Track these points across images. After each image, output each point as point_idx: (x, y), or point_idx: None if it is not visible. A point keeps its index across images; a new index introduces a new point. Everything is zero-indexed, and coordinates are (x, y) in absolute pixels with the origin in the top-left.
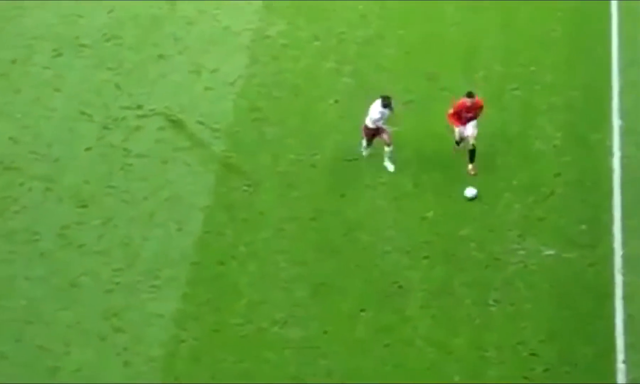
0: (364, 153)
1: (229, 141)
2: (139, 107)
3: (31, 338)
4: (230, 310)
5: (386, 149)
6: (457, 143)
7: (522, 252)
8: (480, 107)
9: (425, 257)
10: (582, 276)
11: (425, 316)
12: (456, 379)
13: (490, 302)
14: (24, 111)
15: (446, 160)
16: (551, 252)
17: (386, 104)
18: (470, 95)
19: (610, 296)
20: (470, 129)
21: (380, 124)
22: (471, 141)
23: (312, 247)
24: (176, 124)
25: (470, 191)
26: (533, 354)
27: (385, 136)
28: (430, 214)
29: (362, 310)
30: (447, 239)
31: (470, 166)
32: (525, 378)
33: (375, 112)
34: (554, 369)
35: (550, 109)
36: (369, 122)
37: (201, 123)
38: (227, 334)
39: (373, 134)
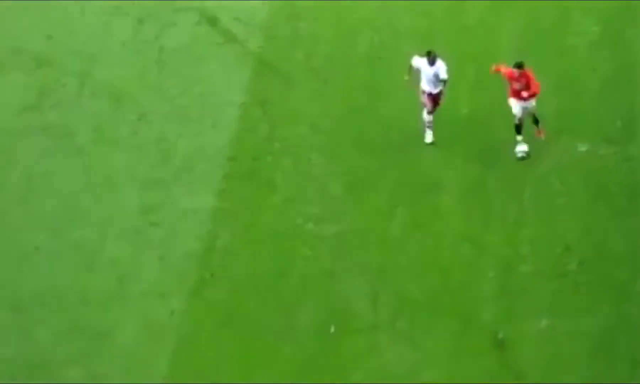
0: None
1: (264, 37)
2: (174, 2)
3: (67, 231)
4: (265, 206)
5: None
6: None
7: (556, 148)
8: (532, 80)
9: (460, 155)
10: (616, 172)
11: (460, 212)
12: (490, 274)
13: (524, 198)
14: (58, 7)
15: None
16: (585, 148)
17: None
18: (519, 64)
19: None
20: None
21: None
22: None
23: (347, 143)
24: (211, 20)
25: (521, 148)
26: (567, 249)
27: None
28: (465, 110)
29: (396, 206)
30: (481, 137)
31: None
32: (559, 272)
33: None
34: (588, 264)
35: (586, 4)
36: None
37: (236, 19)
38: (262, 230)
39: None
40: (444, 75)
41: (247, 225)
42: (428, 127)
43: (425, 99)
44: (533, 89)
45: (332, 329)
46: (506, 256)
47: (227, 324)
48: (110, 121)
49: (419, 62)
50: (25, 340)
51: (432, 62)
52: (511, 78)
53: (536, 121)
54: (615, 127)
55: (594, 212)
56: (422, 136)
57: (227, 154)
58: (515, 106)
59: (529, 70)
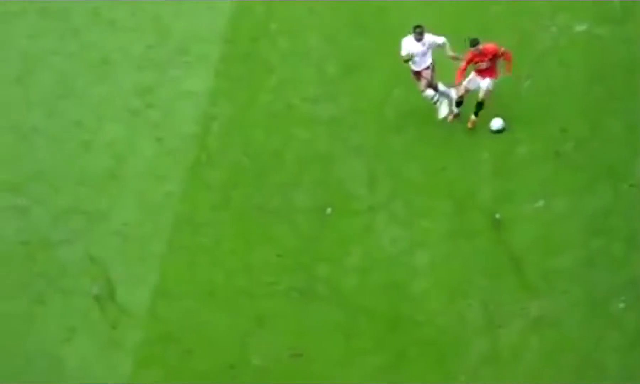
0: (445, 113)
1: None
2: None
3: (64, 112)
4: (261, 87)
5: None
6: (458, 103)
7: (553, 28)
8: (496, 54)
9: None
10: (613, 51)
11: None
12: (485, 155)
13: (522, 78)
14: None
15: None
16: (583, 27)
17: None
18: (473, 43)
19: None
20: (484, 82)
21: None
22: (480, 94)
23: (344, 25)
24: None
25: (496, 123)
26: (563, 130)
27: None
28: None
29: (392, 88)
30: (478, 13)
31: (472, 118)
32: (556, 152)
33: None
34: (584, 144)
35: None
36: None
37: None
38: (258, 111)
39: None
40: (441, 39)
41: (244, 106)
42: (435, 102)
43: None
44: (507, 58)
45: (329, 211)
46: (502, 138)
47: (223, 205)
48: (107, 2)
49: (407, 44)
50: (23, 220)
51: (420, 37)
52: (471, 61)
53: (479, 107)
54: (613, 6)
55: (590, 93)
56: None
57: (223, 35)
58: (471, 81)
59: (489, 45)
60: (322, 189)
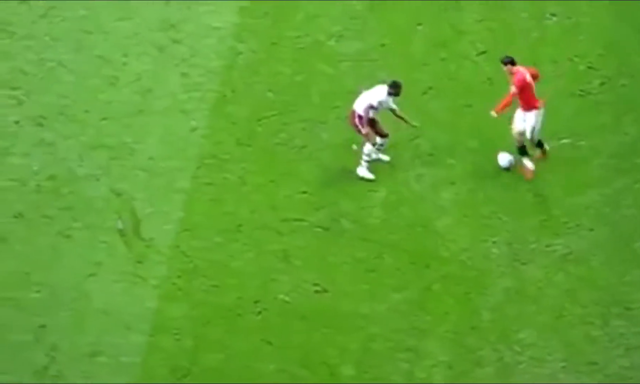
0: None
1: None
2: None
3: (90, 47)
4: (287, 23)
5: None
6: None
7: None
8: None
9: None
10: None
11: (482, 29)
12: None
13: (548, 15)
14: None
15: None
16: None
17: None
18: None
19: None
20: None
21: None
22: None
23: None
24: None
25: (504, 158)
26: (590, 68)
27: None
28: None
29: (418, 24)
30: None
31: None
32: (582, 91)
33: (379, 97)
34: (610, 82)
35: None
36: (366, 111)
37: None
38: (284, 47)
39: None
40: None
41: (269, 42)
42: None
43: (369, 126)
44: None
45: (355, 147)
46: None
47: (248, 141)
48: None
49: (380, 96)
50: (49, 154)
51: (392, 95)
52: (524, 86)
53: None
54: None
55: (617, 31)
56: None
57: None
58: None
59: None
60: (347, 126)
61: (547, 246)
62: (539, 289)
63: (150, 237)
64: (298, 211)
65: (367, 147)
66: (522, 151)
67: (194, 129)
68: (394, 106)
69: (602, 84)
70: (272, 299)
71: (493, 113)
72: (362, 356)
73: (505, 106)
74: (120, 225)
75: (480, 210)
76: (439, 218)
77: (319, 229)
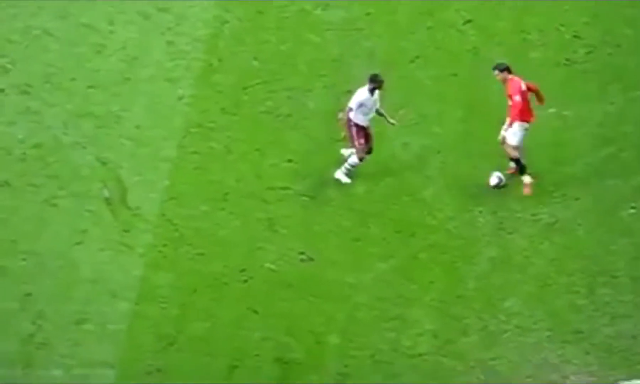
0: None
1: None
2: None
3: (76, 15)
4: None
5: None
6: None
7: None
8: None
9: None
10: None
11: None
12: (498, 61)
13: None
14: None
15: None
16: None
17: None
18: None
19: None
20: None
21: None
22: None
23: None
24: None
25: (495, 178)
26: (576, 36)
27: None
28: None
29: None
30: None
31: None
32: (568, 59)
33: (359, 98)
34: (596, 51)
35: None
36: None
37: None
38: (270, 16)
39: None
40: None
41: (255, 11)
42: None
43: (361, 139)
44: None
45: (340, 116)
46: (514, 43)
47: (234, 109)
48: None
49: (360, 96)
50: (35, 122)
51: (376, 89)
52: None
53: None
54: None
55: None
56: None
57: None
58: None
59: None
60: (333, 94)
61: (533, 215)
62: (524, 258)
63: (136, 205)
64: (284, 179)
65: (353, 159)
66: (520, 165)
67: (180, 98)
68: (377, 105)
69: (588, 53)
70: (258, 267)
71: (506, 127)
72: (348, 325)
73: (515, 118)
74: (106, 193)
75: (466, 179)
76: (425, 187)
77: (305, 198)
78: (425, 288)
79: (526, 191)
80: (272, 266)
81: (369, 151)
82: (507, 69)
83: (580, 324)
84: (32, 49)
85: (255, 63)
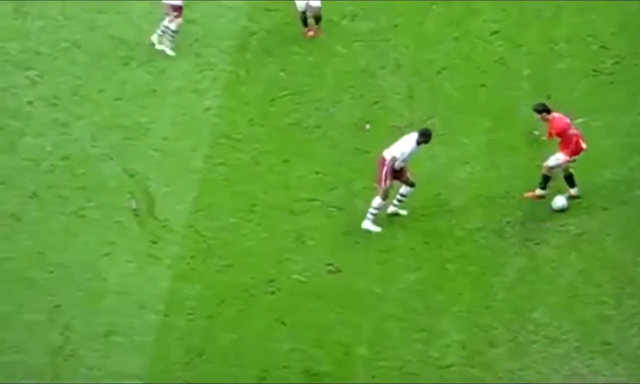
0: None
1: None
2: None
3: (104, 27)
4: None
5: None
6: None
7: None
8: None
9: None
10: None
11: (495, 8)
12: (526, 72)
13: None
14: None
15: None
16: None
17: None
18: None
19: None
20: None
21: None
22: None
23: None
24: None
25: (559, 202)
26: (603, 47)
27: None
28: None
29: (432, 3)
30: None
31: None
32: (595, 70)
33: (406, 148)
34: (623, 62)
35: None
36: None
37: None
38: (298, 27)
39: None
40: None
41: (282, 22)
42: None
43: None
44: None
45: (367, 127)
46: (542, 54)
47: (261, 120)
48: None
49: (407, 147)
50: (63, 134)
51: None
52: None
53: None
54: None
55: (630, 10)
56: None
57: None
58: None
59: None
60: (361, 106)
61: (561, 225)
62: (552, 269)
63: (164, 217)
64: (311, 191)
65: (377, 201)
66: (545, 180)
67: (207, 109)
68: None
69: (615, 63)
70: (285, 278)
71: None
72: (376, 336)
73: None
74: (134, 205)
75: (494, 189)
76: (453, 198)
77: (333, 209)
78: (453, 298)
79: (529, 194)
80: (300, 277)
81: (411, 185)
82: (545, 110)
83: (608, 335)
84: (60, 61)
85: (282, 74)
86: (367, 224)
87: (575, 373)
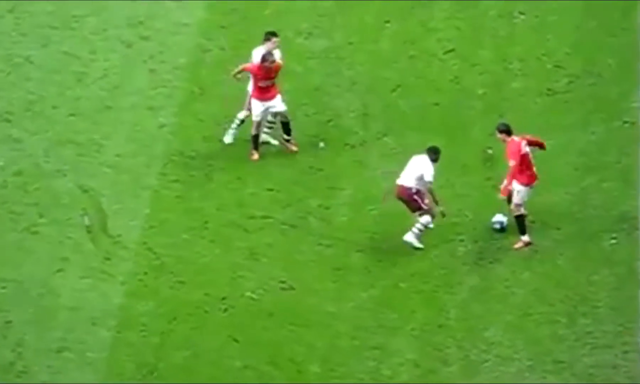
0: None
1: None
2: None
3: (57, 43)
4: (255, 20)
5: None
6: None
7: None
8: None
9: None
10: None
11: (450, 27)
12: (480, 91)
13: (515, 14)
14: None
15: None
16: None
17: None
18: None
19: (636, 7)
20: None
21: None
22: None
23: None
24: None
25: (498, 220)
26: (557, 66)
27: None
28: None
29: (386, 22)
30: None
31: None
32: (549, 89)
33: (429, 170)
34: (578, 81)
35: None
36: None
37: None
38: (253, 45)
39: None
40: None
41: (237, 39)
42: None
43: (426, 199)
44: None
45: (322, 145)
46: (496, 73)
47: (215, 138)
48: None
49: (428, 167)
50: (16, 150)
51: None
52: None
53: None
54: None
55: (585, 29)
56: None
57: None
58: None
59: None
60: (315, 123)
61: (514, 243)
62: (505, 288)
63: (117, 233)
64: (265, 208)
65: (425, 219)
66: (521, 223)
67: (161, 126)
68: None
69: (569, 82)
70: (238, 296)
71: (500, 196)
72: (329, 354)
73: (510, 183)
74: (87, 221)
75: (448, 208)
76: (407, 217)
77: (286, 227)
78: (406, 317)
79: (517, 246)
80: (253, 295)
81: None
82: (505, 131)
83: (561, 354)
84: (14, 76)
85: (236, 92)
86: (410, 237)
87: None
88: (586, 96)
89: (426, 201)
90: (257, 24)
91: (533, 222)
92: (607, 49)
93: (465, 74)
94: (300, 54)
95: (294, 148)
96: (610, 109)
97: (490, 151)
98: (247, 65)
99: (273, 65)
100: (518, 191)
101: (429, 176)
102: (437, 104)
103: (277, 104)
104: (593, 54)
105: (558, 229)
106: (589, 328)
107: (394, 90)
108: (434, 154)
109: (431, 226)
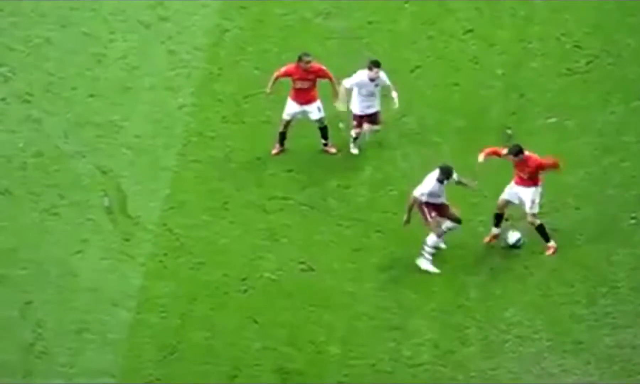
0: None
1: None
2: None
3: (77, 24)
4: (274, 0)
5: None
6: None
7: None
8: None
9: None
10: None
11: (469, 7)
12: (499, 71)
13: None
14: None
15: None
16: None
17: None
18: (514, 151)
19: None
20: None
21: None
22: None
23: None
24: None
25: (513, 237)
26: (577, 46)
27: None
28: None
29: (406, 2)
30: None
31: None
32: (569, 69)
33: (427, 188)
34: (597, 61)
35: None
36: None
37: None
38: (271, 25)
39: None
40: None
41: (256, 20)
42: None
43: (432, 212)
44: (550, 165)
45: (341, 126)
46: (515, 53)
47: (234, 117)
48: None
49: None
50: (36, 131)
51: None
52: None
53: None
54: None
55: (604, 9)
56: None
57: None
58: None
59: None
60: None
61: (534, 224)
62: (524, 268)
63: (136, 214)
64: (284, 189)
65: (431, 239)
66: (542, 231)
67: (180, 107)
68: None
69: (588, 62)
70: (258, 277)
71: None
72: (348, 335)
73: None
74: (106, 202)
75: (467, 189)
76: None
77: (306, 208)
78: (425, 297)
79: (549, 253)
80: (273, 276)
81: (457, 220)
82: (521, 151)
83: (580, 334)
84: (33, 57)
85: (256, 72)
86: (423, 263)
87: (546, 373)
88: (605, 75)
89: (432, 214)
90: (275, 5)
91: (552, 202)
92: (626, 28)
93: (484, 54)
94: (319, 35)
95: (333, 150)
96: (629, 89)
97: (509, 131)
98: (281, 70)
99: (308, 66)
100: (532, 200)
101: (421, 189)
102: (456, 85)
103: (313, 111)
104: (612, 34)
105: (577, 209)
106: (608, 308)
107: (413, 70)
108: (442, 174)
109: (442, 245)
